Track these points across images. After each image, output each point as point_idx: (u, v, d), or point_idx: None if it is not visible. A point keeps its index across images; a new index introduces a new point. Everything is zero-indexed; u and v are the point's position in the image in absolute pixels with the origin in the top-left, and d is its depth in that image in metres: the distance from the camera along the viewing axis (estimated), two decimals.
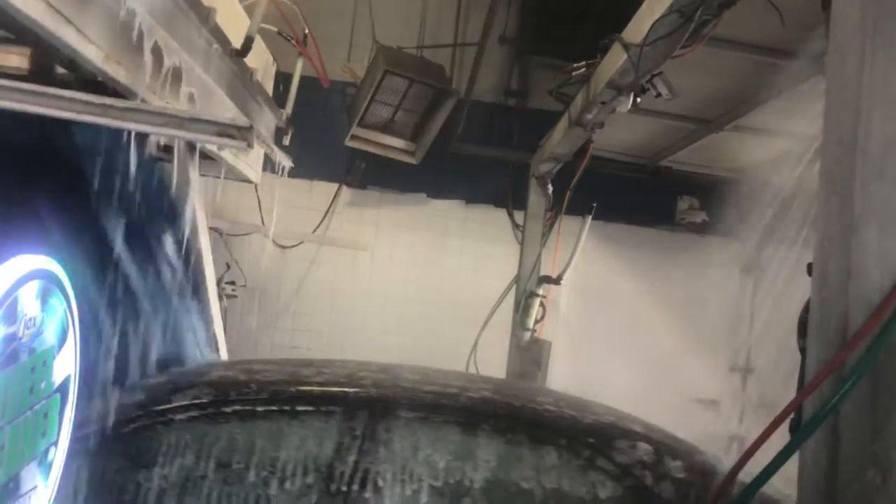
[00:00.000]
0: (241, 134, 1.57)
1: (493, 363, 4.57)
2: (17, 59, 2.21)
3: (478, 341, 4.76)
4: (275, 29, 3.10)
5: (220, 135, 1.57)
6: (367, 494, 1.93)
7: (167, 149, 2.24)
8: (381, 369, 2.39)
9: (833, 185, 1.04)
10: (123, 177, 1.72)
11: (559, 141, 3.78)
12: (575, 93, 3.38)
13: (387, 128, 5.03)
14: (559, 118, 3.82)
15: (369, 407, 2.09)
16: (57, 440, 1.48)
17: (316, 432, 2.04)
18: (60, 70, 2.05)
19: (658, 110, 3.88)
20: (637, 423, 2.22)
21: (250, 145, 1.60)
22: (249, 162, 3.79)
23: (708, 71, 3.31)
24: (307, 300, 5.40)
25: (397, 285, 5.43)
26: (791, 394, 1.09)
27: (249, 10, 2.76)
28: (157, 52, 1.91)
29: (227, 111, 2.61)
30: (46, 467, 1.45)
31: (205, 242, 3.21)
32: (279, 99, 3.42)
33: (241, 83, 2.72)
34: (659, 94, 2.81)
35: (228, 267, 4.70)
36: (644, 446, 2.01)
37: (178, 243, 2.25)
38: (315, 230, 5.40)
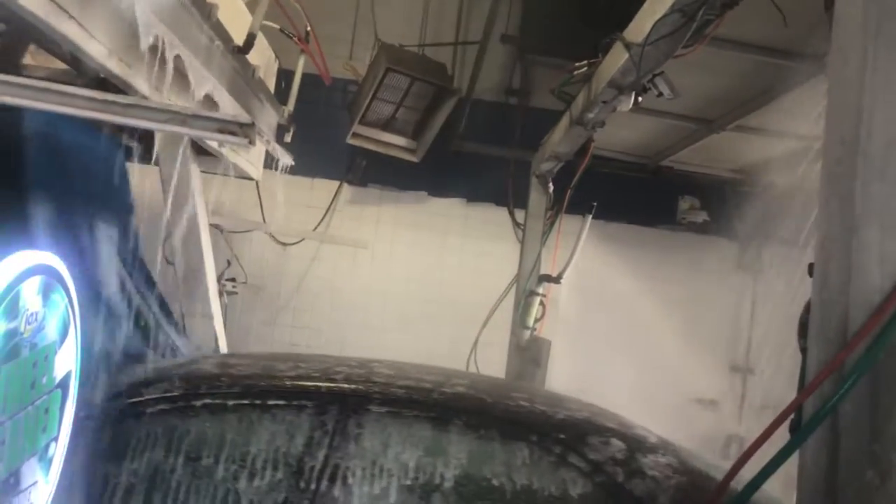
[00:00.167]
0: (242, 131, 1.56)
1: (494, 362, 4.58)
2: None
3: (478, 340, 4.76)
4: (277, 26, 3.09)
5: (222, 131, 1.56)
6: (337, 489, 1.92)
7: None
8: (358, 364, 2.38)
9: (834, 185, 1.04)
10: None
11: (560, 140, 3.78)
12: (576, 92, 3.37)
13: (388, 125, 5.04)
14: (560, 117, 3.82)
15: (341, 402, 2.08)
16: (57, 436, 1.48)
17: (286, 427, 2.03)
18: (62, 66, 2.05)
19: (659, 110, 3.88)
20: (612, 420, 2.20)
21: (252, 142, 1.60)
22: (250, 159, 3.79)
23: (710, 71, 3.31)
24: (307, 297, 5.41)
25: (398, 283, 5.43)
26: (791, 394, 1.09)
27: (251, 7, 2.76)
28: (159, 49, 1.91)
29: (229, 108, 2.61)
30: (47, 463, 1.45)
31: (205, 239, 3.22)
32: (281, 96, 3.41)
33: (242, 80, 2.72)
34: (660, 94, 2.80)
35: (229, 264, 4.70)
36: (616, 443, 1.99)
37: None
38: (316, 227, 5.41)
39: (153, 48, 1.87)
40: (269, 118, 3.20)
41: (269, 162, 3.70)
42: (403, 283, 5.44)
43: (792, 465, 1.08)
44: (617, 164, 5.29)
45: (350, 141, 4.99)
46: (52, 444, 1.46)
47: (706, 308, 5.24)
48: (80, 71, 1.97)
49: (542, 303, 4.32)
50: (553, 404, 2.21)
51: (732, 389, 5.45)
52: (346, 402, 2.08)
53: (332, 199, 5.45)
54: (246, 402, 2.08)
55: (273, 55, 3.75)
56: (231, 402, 2.07)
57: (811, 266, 1.08)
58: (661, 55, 2.45)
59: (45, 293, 1.37)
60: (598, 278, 5.06)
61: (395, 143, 5.09)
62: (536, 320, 4.34)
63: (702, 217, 5.38)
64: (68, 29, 1.65)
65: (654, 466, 1.93)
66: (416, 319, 5.37)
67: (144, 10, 1.76)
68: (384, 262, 5.47)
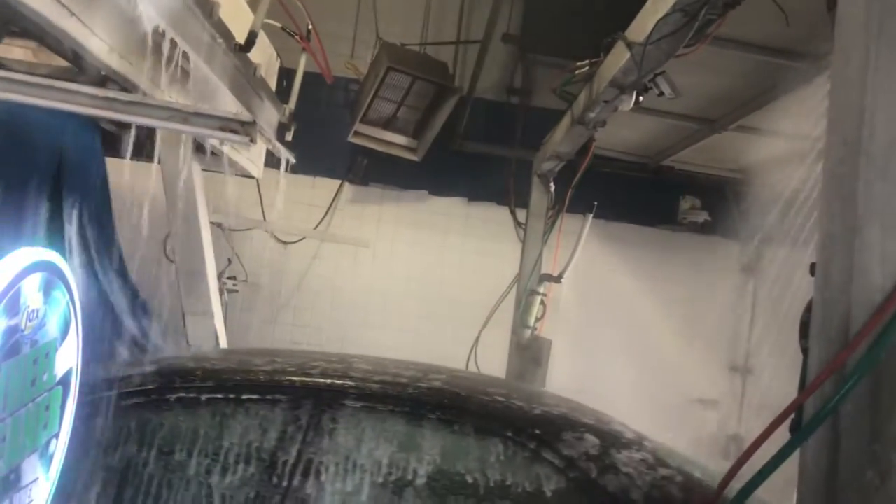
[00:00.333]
0: (244, 129, 1.57)
1: (494, 361, 4.58)
2: (20, 52, 2.22)
3: (479, 339, 4.76)
4: (279, 24, 3.09)
5: (224, 129, 1.57)
6: (310, 484, 1.92)
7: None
8: (337, 359, 2.38)
9: (836, 185, 1.04)
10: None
11: (562, 139, 3.78)
12: (578, 91, 3.37)
13: (389, 124, 5.04)
14: (562, 116, 3.82)
15: (315, 396, 2.07)
16: (58, 432, 1.48)
17: (260, 421, 2.02)
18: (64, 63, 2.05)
19: (661, 110, 3.87)
20: (590, 416, 2.20)
21: (253, 140, 1.60)
22: (251, 157, 3.79)
23: (711, 70, 3.30)
24: (308, 296, 5.41)
25: (398, 282, 5.43)
26: (791, 394, 1.09)
27: (253, 6, 2.76)
28: (160, 47, 1.91)
29: (230, 106, 2.61)
30: (48, 460, 1.45)
31: (206, 237, 3.22)
32: (282, 94, 3.41)
33: (244, 78, 2.71)
34: (662, 94, 2.81)
35: (230, 262, 4.70)
36: (591, 438, 1.98)
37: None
38: (317, 226, 5.41)
39: (155, 46, 1.87)
40: (270, 116, 3.20)
41: (271, 160, 3.70)
42: (404, 282, 5.44)
43: (792, 465, 1.08)
44: (618, 164, 5.29)
45: (351, 140, 4.99)
46: (53, 441, 1.46)
47: (706, 308, 5.24)
48: (82, 69, 1.97)
49: (542, 302, 4.32)
50: (530, 400, 2.20)
51: (732, 389, 5.45)
52: (320, 396, 2.07)
53: (334, 198, 5.45)
54: (219, 396, 2.07)
55: (274, 53, 3.75)
56: (204, 397, 2.07)
57: (813, 265, 1.08)
58: (663, 55, 2.45)
59: (47, 290, 1.37)
60: (599, 278, 5.06)
61: (396, 141, 5.09)
62: (537, 319, 4.34)
63: (703, 217, 5.38)
64: (70, 26, 1.65)
65: (628, 462, 1.93)
66: (417, 318, 5.37)
67: (146, 8, 1.76)
68: (385, 260, 5.47)
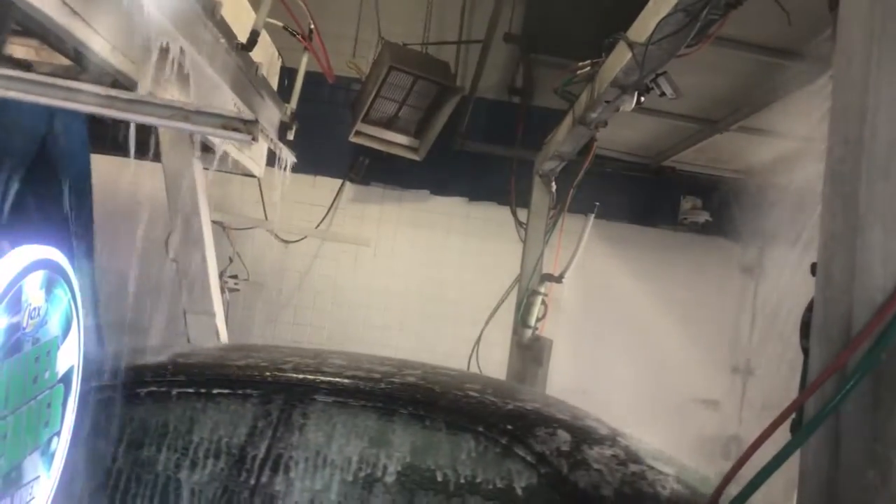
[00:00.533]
0: (246, 127, 1.57)
1: (495, 361, 4.58)
2: (22, 50, 2.22)
3: (480, 338, 4.77)
4: (280, 24, 3.10)
5: (225, 128, 1.57)
6: (279, 479, 1.92)
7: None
8: (312, 355, 2.37)
9: (838, 185, 1.04)
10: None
11: (563, 139, 3.78)
12: (579, 91, 3.37)
13: (391, 124, 5.04)
14: (563, 116, 3.82)
15: (287, 391, 2.07)
16: (60, 430, 1.48)
17: (230, 416, 2.02)
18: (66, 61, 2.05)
19: (662, 110, 3.87)
20: (565, 412, 2.20)
21: (255, 139, 1.60)
22: (253, 156, 3.79)
23: (713, 71, 3.30)
24: (309, 295, 5.41)
25: (399, 282, 5.44)
26: (791, 395, 1.09)
27: (255, 5, 2.76)
28: (162, 45, 1.91)
29: (232, 105, 2.61)
30: (49, 457, 1.45)
31: (208, 236, 3.22)
32: (284, 94, 3.42)
33: (245, 77, 2.72)
34: (663, 94, 2.80)
35: (231, 261, 4.71)
36: (563, 434, 1.99)
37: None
38: (318, 225, 5.41)
39: (157, 44, 1.87)
40: (271, 115, 3.20)
41: (272, 159, 3.70)
42: (405, 282, 5.44)
43: (793, 465, 1.08)
44: (619, 164, 5.29)
45: (353, 139, 4.99)
46: (55, 439, 1.47)
47: (707, 308, 5.25)
48: (84, 67, 1.97)
49: (544, 302, 4.33)
50: (505, 395, 2.20)
51: (733, 390, 5.44)
52: (292, 391, 2.07)
53: (335, 197, 5.45)
54: (191, 390, 2.07)
55: (276, 53, 3.75)
56: (175, 391, 2.07)
57: (814, 265, 1.08)
58: (665, 55, 2.44)
59: (48, 288, 1.37)
60: (601, 278, 5.07)
61: (397, 141, 5.09)
62: (538, 319, 4.34)
63: (704, 217, 5.38)
64: (73, 24, 1.65)
65: (599, 458, 1.93)
66: (418, 318, 5.37)
67: (149, 7, 1.76)
68: (386, 260, 5.47)
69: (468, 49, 5.23)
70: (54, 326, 1.41)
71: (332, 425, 2.01)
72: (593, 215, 4.31)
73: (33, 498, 1.40)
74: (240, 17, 2.74)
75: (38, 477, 1.41)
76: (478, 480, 1.89)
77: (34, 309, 1.32)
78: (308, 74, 3.51)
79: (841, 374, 0.99)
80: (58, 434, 1.47)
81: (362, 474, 1.92)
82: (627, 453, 2.00)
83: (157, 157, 2.99)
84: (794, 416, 1.07)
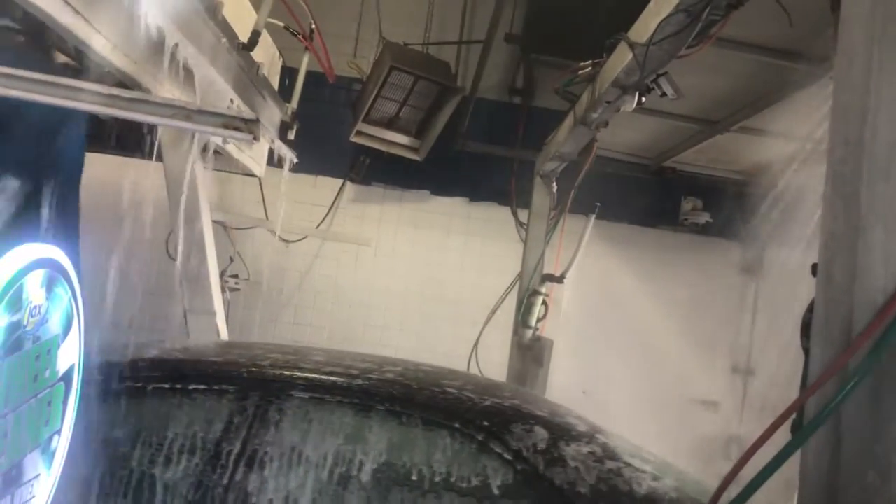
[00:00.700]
0: (247, 127, 1.57)
1: (495, 361, 4.58)
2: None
3: (480, 339, 4.76)
4: (281, 24, 3.10)
5: (227, 127, 1.57)
6: (254, 475, 1.91)
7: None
8: (292, 352, 2.36)
9: (839, 185, 1.04)
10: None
11: (564, 139, 3.78)
12: (580, 91, 3.37)
13: (392, 124, 5.04)
14: (564, 117, 3.82)
15: (263, 387, 2.06)
16: (60, 429, 1.48)
17: (206, 411, 2.02)
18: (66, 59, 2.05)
19: (663, 110, 3.87)
20: (544, 408, 2.19)
21: (256, 138, 1.60)
22: (254, 156, 3.79)
23: (714, 72, 3.30)
24: (309, 295, 5.42)
25: (400, 282, 5.44)
26: (792, 395, 1.09)
27: (256, 5, 2.76)
28: (164, 45, 1.91)
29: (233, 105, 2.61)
30: (49, 456, 1.45)
31: (208, 235, 3.22)
32: (285, 94, 3.42)
33: (247, 77, 2.72)
34: (664, 94, 2.80)
35: (231, 260, 4.71)
36: (540, 431, 1.98)
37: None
38: (318, 225, 5.41)
39: (158, 44, 1.88)
40: (272, 115, 3.20)
41: (272, 159, 3.70)
42: (406, 282, 5.44)
43: (793, 466, 1.08)
44: (620, 165, 5.29)
45: (353, 139, 4.99)
46: (55, 438, 1.47)
47: (708, 309, 5.25)
48: (84, 66, 1.97)
49: (544, 302, 4.32)
50: (483, 392, 2.19)
51: (734, 391, 5.45)
52: (268, 387, 2.06)
53: (335, 197, 5.45)
54: (166, 385, 2.06)
55: (277, 52, 3.75)
56: (151, 386, 2.06)
57: (815, 266, 1.08)
58: (666, 55, 2.44)
59: (49, 286, 1.38)
60: (601, 278, 5.07)
61: (398, 141, 5.09)
62: (539, 320, 4.34)
63: (704, 218, 5.38)
64: (73, 23, 1.65)
65: (576, 456, 1.93)
66: (418, 318, 5.37)
67: (150, 6, 1.76)
68: (386, 260, 5.47)
69: (469, 49, 5.24)
70: (55, 325, 1.41)
71: (309, 421, 2.00)
72: (594, 216, 4.31)
73: (33, 496, 1.40)
74: (241, 16, 2.75)
75: (38, 475, 1.41)
76: (454, 477, 1.88)
77: (35, 307, 1.32)
78: (309, 74, 3.51)
79: (842, 375, 0.99)
80: (58, 432, 1.48)
81: (338, 470, 1.91)
82: (605, 450, 2.00)
83: (157, 157, 2.98)
84: (794, 416, 1.07)
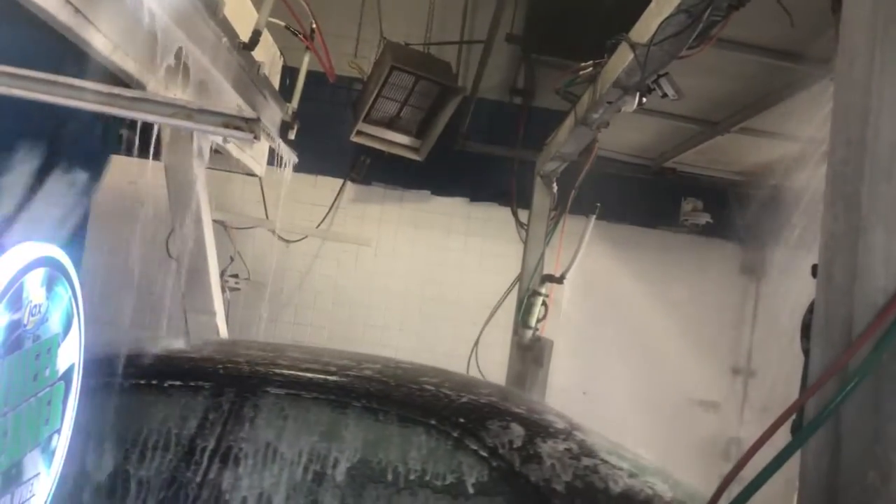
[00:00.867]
0: (248, 126, 1.57)
1: (496, 361, 4.58)
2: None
3: (480, 339, 4.77)
4: (282, 23, 3.10)
5: (227, 126, 1.57)
6: (228, 471, 1.90)
7: None
8: (271, 349, 2.36)
9: (840, 186, 1.04)
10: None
11: (565, 140, 3.78)
12: (581, 92, 3.37)
13: (392, 124, 5.04)
14: (565, 117, 3.82)
15: (238, 383, 2.05)
16: (60, 428, 1.48)
17: (181, 408, 2.01)
18: None
19: (664, 111, 3.87)
20: (523, 405, 2.18)
21: (257, 137, 1.61)
22: (254, 155, 3.79)
23: (715, 72, 3.30)
24: (310, 295, 5.42)
25: (400, 282, 5.44)
26: (792, 396, 1.09)
27: (257, 5, 2.76)
28: (165, 44, 1.91)
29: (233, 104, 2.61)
30: (49, 455, 1.45)
31: (209, 235, 3.22)
32: (285, 93, 3.42)
33: (247, 76, 2.72)
34: (665, 95, 2.80)
35: (232, 260, 4.71)
36: (516, 428, 1.97)
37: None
38: (319, 225, 5.41)
39: (159, 43, 1.88)
40: (273, 115, 3.20)
41: (273, 159, 3.70)
42: (406, 282, 5.44)
43: (794, 467, 1.08)
44: (621, 166, 5.29)
45: (354, 139, 4.99)
46: (55, 437, 1.47)
47: (708, 310, 5.25)
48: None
49: (544, 303, 4.32)
50: (461, 389, 2.18)
51: (734, 392, 5.45)
52: (244, 383, 2.05)
53: (336, 197, 5.45)
54: (142, 382, 2.06)
55: (278, 52, 3.76)
56: (126, 382, 2.04)
57: (815, 267, 1.08)
58: (667, 56, 2.45)
59: (50, 285, 1.37)
60: (601, 279, 5.07)
61: (398, 141, 5.09)
62: (539, 320, 4.34)
63: (704, 219, 5.38)
64: (75, 23, 1.66)
65: (552, 453, 1.92)
66: (418, 318, 5.37)
67: (151, 5, 1.76)
68: (387, 260, 5.47)
69: (470, 49, 5.24)
70: (55, 324, 1.41)
71: (284, 418, 1.99)
72: (594, 216, 4.31)
73: (33, 495, 1.40)
74: (242, 16, 2.75)
75: (38, 474, 1.41)
76: (429, 474, 1.88)
77: (35, 306, 1.32)
78: (310, 74, 3.51)
79: (842, 376, 0.99)
80: (58, 432, 1.48)
81: (313, 467, 1.90)
82: (581, 447, 1.99)
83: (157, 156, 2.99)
84: (794, 417, 1.07)
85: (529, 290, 4.39)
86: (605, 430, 2.38)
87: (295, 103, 3.40)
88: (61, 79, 1.51)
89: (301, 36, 3.18)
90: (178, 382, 2.06)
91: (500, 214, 5.40)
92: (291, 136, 3.46)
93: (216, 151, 3.10)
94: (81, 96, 1.50)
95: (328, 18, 3.55)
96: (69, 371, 1.48)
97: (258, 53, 2.76)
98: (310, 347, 2.49)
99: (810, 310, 1.09)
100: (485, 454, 1.90)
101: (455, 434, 1.93)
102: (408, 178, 5.42)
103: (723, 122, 4.08)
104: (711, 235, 5.38)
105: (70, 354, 1.48)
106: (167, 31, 1.89)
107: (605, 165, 4.86)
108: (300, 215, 5.33)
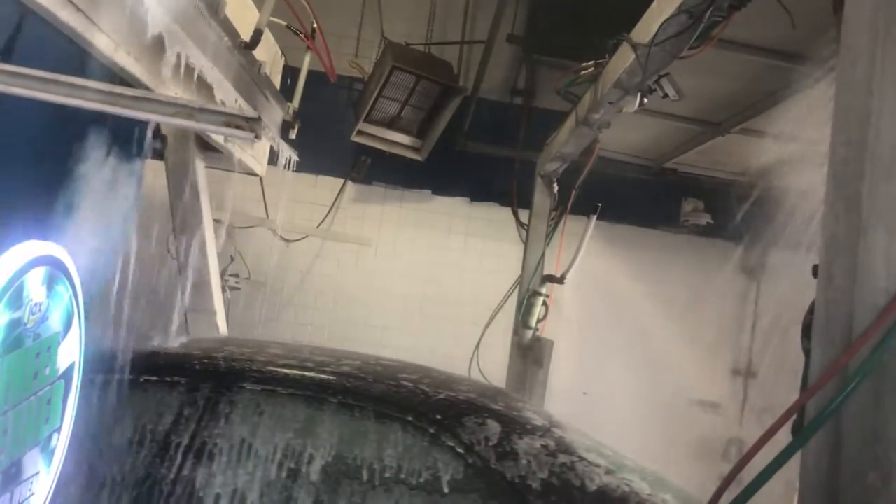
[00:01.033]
0: (249, 125, 1.57)
1: (496, 361, 4.58)
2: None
3: (481, 339, 4.77)
4: (283, 23, 3.10)
5: (229, 125, 1.57)
6: (203, 467, 1.90)
7: None
8: (251, 345, 2.35)
9: (840, 186, 1.04)
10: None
11: (566, 140, 3.78)
12: (582, 92, 3.37)
13: (393, 124, 5.04)
14: (565, 117, 3.82)
15: (215, 379, 2.05)
16: (60, 427, 1.48)
17: (156, 403, 2.00)
18: None
19: (665, 112, 3.87)
20: (501, 402, 2.18)
21: (258, 136, 1.61)
22: (255, 155, 3.79)
23: (716, 73, 3.30)
24: (310, 294, 5.42)
25: (400, 281, 5.44)
26: (792, 397, 1.09)
27: (258, 4, 2.76)
28: (167, 43, 1.91)
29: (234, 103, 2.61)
30: (49, 454, 1.45)
31: (209, 234, 3.22)
32: (286, 93, 3.42)
33: (248, 76, 2.72)
34: (666, 96, 2.80)
35: (232, 259, 4.71)
36: (493, 424, 1.97)
37: None
38: (319, 224, 5.41)
39: (161, 42, 1.88)
40: (274, 114, 3.21)
41: (273, 158, 3.70)
42: (406, 282, 5.44)
43: (794, 467, 1.08)
44: (621, 166, 5.29)
45: (355, 138, 4.99)
46: (55, 435, 1.47)
47: (709, 310, 5.24)
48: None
49: (545, 303, 4.32)
50: (439, 386, 2.18)
51: (734, 392, 5.45)
52: (220, 379, 2.05)
53: (336, 197, 5.45)
54: (117, 377, 2.06)
55: (279, 52, 3.76)
56: (100, 377, 2.06)
57: (815, 267, 1.08)
58: (668, 56, 2.45)
59: (50, 284, 1.38)
60: (602, 279, 5.06)
61: (399, 141, 5.09)
62: (539, 320, 4.34)
63: (705, 219, 5.38)
64: (76, 21, 1.66)
65: (528, 450, 1.92)
66: (419, 318, 5.37)
67: (152, 5, 1.76)
68: (387, 260, 5.47)
69: (471, 49, 5.23)
70: (55, 323, 1.41)
71: (260, 413, 1.98)
72: (595, 217, 4.31)
73: (33, 494, 1.40)
74: (243, 15, 2.75)
75: (37, 473, 1.41)
76: (405, 470, 1.87)
77: (35, 305, 1.32)
78: (311, 73, 3.51)
79: (842, 376, 0.99)
80: (58, 430, 1.48)
81: (288, 463, 1.90)
82: (559, 444, 1.99)
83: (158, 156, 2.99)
84: (794, 417, 1.07)
85: (530, 290, 4.39)
86: (606, 430, 2.38)
87: (296, 103, 3.40)
88: (62, 77, 1.51)
89: (302, 35, 3.19)
90: (153, 378, 2.06)
91: (500, 214, 5.40)
92: (292, 135, 3.46)
93: (216, 151, 3.10)
94: (82, 95, 1.50)
95: (329, 18, 3.55)
96: (69, 370, 1.49)
97: (259, 53, 2.76)
98: (290, 344, 2.48)
99: (811, 310, 1.09)
100: (461, 451, 1.90)
101: (431, 430, 1.93)
102: (408, 178, 5.42)
103: (724, 123, 4.08)
104: (712, 236, 5.38)
105: (70, 353, 1.48)
106: (169, 31, 1.89)
107: (606, 166, 4.86)
108: (301, 215, 5.33)
